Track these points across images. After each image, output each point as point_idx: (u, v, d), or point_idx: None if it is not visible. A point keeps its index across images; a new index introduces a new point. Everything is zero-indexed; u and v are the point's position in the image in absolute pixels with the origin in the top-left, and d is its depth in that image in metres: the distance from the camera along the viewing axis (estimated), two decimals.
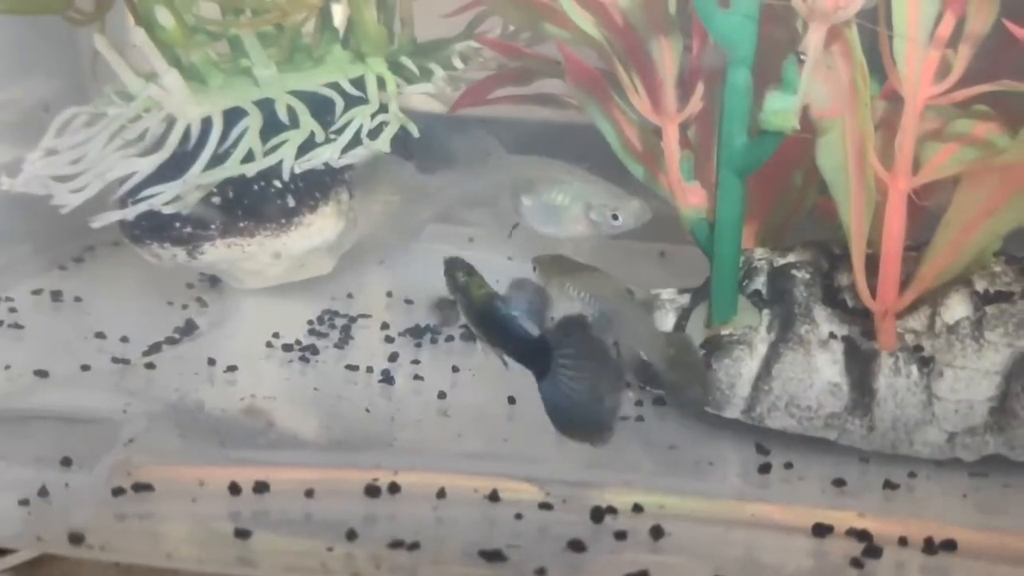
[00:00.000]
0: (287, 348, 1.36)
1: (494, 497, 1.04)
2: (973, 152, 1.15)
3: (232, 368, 1.30)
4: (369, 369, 1.31)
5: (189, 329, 1.41)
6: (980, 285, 1.19)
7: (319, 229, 1.42)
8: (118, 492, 1.03)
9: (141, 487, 1.04)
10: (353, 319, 1.45)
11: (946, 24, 1.13)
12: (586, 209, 1.22)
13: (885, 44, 1.13)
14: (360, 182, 1.24)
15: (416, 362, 1.35)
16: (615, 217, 1.18)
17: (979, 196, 1.10)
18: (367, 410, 1.20)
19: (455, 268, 1.05)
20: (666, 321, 1.26)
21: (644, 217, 1.25)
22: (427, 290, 1.53)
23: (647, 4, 1.21)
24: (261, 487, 1.04)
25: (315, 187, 1.42)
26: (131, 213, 1.37)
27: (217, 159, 1.37)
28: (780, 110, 1.12)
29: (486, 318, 1.00)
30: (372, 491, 1.04)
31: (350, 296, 1.52)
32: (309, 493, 1.04)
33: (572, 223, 1.25)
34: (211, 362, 1.31)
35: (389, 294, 1.55)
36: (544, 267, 1.13)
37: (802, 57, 1.11)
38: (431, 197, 1.28)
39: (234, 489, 1.04)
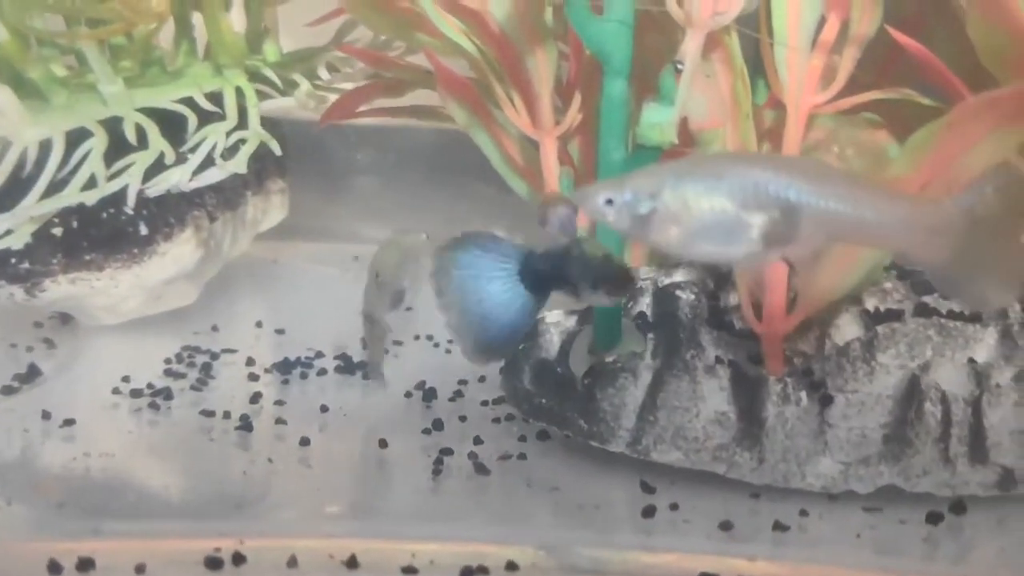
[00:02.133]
0: (136, 394, 1.24)
1: (352, 563, 0.95)
2: (861, 163, 1.10)
3: (69, 422, 1.18)
4: (227, 415, 1.20)
5: (31, 375, 1.29)
6: (871, 303, 1.13)
7: (175, 258, 1.33)
8: None
9: None
10: (216, 355, 1.34)
11: (830, 29, 1.08)
12: None
13: (767, 50, 1.08)
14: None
15: (281, 403, 1.24)
16: None
17: None
18: (269, 460, 1.11)
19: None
20: (551, 345, 1.18)
21: None
22: (300, 317, 1.44)
23: (521, 12, 1.14)
24: (85, 564, 0.92)
25: (169, 212, 1.32)
26: None
27: (58, 185, 1.27)
28: (657, 123, 1.07)
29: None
30: (213, 563, 0.94)
31: (215, 329, 1.41)
32: (140, 569, 0.93)
33: None
34: (46, 415, 1.19)
35: (259, 324, 1.44)
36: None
37: (679, 66, 1.06)
38: None
39: (54, 568, 0.92)
